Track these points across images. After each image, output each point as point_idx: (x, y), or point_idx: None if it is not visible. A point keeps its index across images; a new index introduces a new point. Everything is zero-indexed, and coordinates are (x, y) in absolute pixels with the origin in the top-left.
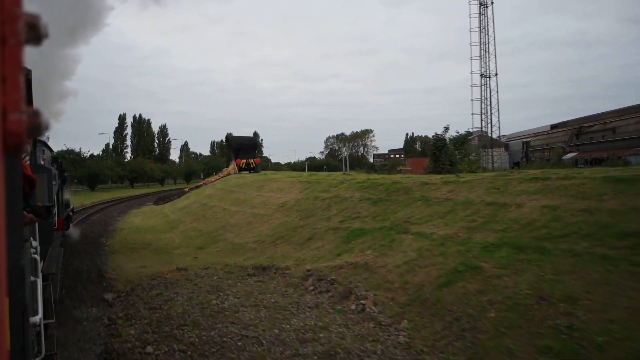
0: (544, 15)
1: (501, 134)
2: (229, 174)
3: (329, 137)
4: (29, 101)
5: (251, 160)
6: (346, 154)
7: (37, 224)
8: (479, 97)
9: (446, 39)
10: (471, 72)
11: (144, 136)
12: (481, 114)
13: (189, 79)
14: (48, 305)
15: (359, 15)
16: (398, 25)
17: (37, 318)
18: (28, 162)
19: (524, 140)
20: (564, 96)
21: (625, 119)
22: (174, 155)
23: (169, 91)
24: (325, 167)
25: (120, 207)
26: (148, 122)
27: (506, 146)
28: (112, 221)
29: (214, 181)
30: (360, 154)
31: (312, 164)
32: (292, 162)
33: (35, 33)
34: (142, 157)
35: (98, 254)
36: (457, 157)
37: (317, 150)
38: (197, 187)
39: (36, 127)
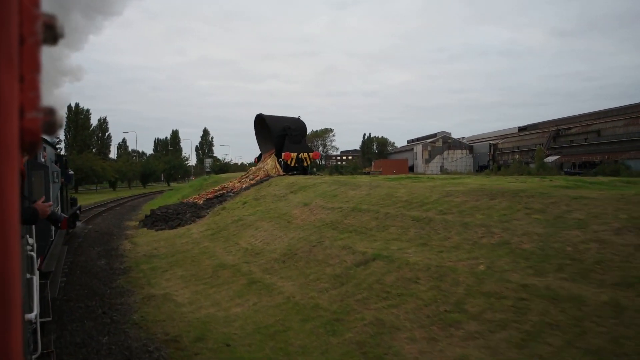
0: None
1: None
2: (267, 175)
3: None
4: None
5: (305, 155)
6: None
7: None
8: None
9: (386, 44)
10: None
11: (81, 130)
12: None
13: (121, 76)
14: (46, 304)
15: (302, 16)
16: (340, 28)
17: (32, 315)
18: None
19: (491, 142)
20: (495, 103)
21: (610, 121)
22: (113, 153)
23: (98, 88)
24: None
25: (91, 236)
26: (86, 114)
27: (470, 148)
28: (119, 305)
29: (245, 187)
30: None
31: None
32: (246, 163)
33: (52, 33)
34: (89, 153)
35: None
36: None
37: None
38: (217, 195)
39: (51, 125)
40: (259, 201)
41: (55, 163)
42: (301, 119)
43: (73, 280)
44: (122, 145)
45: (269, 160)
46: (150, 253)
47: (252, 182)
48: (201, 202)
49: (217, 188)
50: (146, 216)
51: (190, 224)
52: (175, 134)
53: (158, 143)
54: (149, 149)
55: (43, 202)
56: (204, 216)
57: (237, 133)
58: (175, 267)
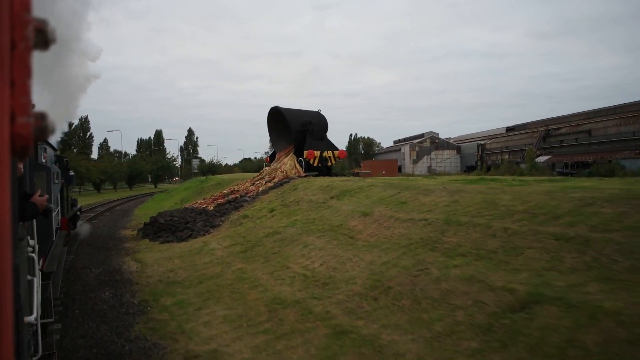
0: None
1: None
2: (286, 177)
3: None
4: None
5: (329, 153)
6: None
7: (35, 222)
8: None
9: (370, 45)
10: None
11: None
12: None
13: (103, 76)
14: (48, 304)
15: (285, 16)
16: (324, 28)
17: (32, 317)
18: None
19: (479, 142)
20: (477, 103)
21: (601, 120)
22: (95, 153)
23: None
24: None
25: (84, 251)
26: None
27: (458, 149)
28: None
29: (262, 191)
30: None
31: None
32: (231, 163)
33: (43, 38)
34: (71, 153)
35: None
36: None
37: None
38: (230, 200)
39: (43, 130)
40: (291, 208)
41: (55, 164)
42: (321, 112)
43: (72, 326)
44: (104, 145)
45: (286, 160)
46: (167, 278)
47: (269, 184)
48: (211, 208)
49: (225, 191)
50: (145, 224)
51: (204, 235)
52: (159, 134)
53: (141, 143)
54: (131, 149)
55: (39, 195)
56: (219, 226)
57: (221, 134)
58: (211, 301)
